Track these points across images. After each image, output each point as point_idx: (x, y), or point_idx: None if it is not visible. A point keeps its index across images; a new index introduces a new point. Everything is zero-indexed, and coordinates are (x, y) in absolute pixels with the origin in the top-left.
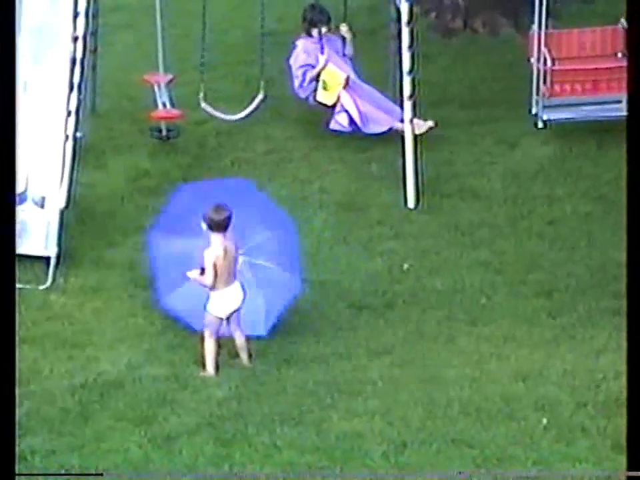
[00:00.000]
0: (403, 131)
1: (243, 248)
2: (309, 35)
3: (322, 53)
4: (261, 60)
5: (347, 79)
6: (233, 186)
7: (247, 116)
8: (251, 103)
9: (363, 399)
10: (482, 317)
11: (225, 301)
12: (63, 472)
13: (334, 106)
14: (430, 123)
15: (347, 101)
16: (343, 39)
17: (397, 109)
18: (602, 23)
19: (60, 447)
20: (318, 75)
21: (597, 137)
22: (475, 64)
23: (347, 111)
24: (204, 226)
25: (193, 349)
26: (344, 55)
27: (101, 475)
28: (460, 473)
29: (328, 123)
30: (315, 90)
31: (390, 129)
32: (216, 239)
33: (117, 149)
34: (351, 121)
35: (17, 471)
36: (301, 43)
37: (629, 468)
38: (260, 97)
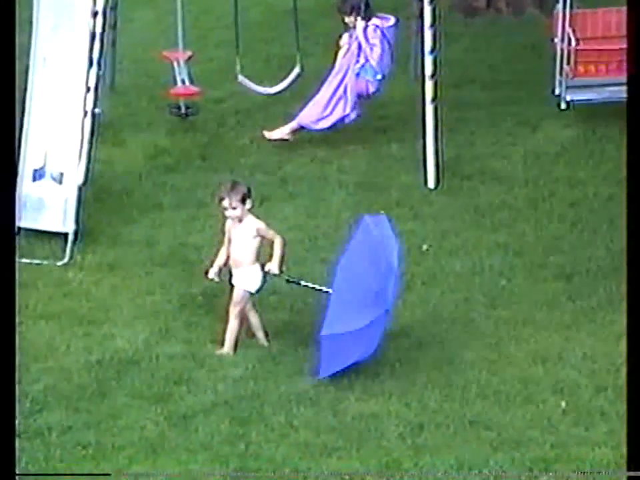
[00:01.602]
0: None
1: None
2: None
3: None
4: (297, 34)
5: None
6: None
7: (283, 90)
8: (286, 77)
9: (380, 380)
10: (501, 300)
11: (255, 277)
12: (66, 472)
13: None
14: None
15: None
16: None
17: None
18: (625, 3)
19: (76, 424)
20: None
21: (620, 119)
22: (498, 44)
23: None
24: (242, 203)
25: (210, 328)
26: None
27: (109, 474)
28: None
29: None
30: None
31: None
32: (249, 213)
33: (136, 125)
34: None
35: (17, 471)
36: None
37: (629, 468)
38: (297, 70)
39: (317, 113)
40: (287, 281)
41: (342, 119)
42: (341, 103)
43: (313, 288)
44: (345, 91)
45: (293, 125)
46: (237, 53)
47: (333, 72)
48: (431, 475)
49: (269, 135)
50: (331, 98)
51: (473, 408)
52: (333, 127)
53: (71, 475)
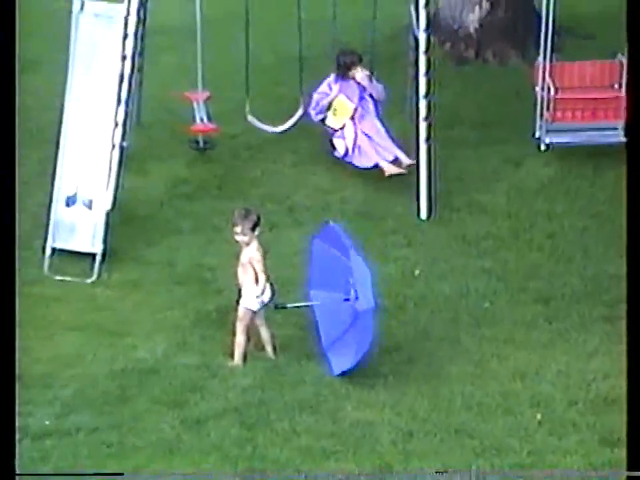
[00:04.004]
0: (385, 170)
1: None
2: (340, 76)
3: (335, 83)
4: (300, 79)
5: (355, 110)
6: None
7: (287, 129)
8: (291, 117)
9: (375, 391)
10: (484, 320)
11: (257, 297)
12: (92, 469)
13: (337, 130)
14: (406, 164)
15: (349, 129)
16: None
17: (392, 148)
18: (601, 56)
19: (101, 425)
20: (330, 104)
21: (594, 160)
22: (485, 90)
23: (344, 138)
24: (252, 230)
25: (222, 341)
26: (370, 95)
27: (122, 474)
28: None
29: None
30: (326, 116)
31: (375, 166)
32: (255, 240)
33: (158, 157)
34: (346, 150)
35: (17, 471)
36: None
37: (629, 468)
38: (300, 112)
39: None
40: (275, 307)
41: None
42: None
43: (299, 307)
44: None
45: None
46: (247, 95)
47: (370, 115)
48: (419, 477)
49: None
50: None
51: (457, 418)
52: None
53: (81, 475)
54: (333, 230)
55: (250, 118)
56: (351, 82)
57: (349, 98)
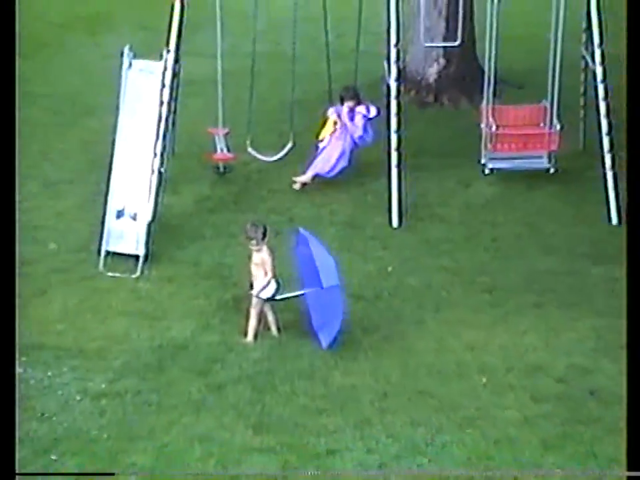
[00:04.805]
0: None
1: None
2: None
3: (330, 106)
4: (291, 119)
5: (335, 125)
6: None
7: (280, 158)
8: (282, 149)
9: (357, 362)
10: (443, 306)
11: (267, 289)
12: (71, 471)
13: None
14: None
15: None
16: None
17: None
18: (529, 101)
19: (144, 389)
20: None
21: (526, 181)
22: (443, 127)
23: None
24: (259, 236)
25: (238, 323)
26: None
27: (112, 474)
28: None
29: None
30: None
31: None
32: (265, 245)
33: (188, 180)
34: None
35: (17, 470)
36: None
37: (629, 468)
38: (290, 145)
39: (328, 166)
40: (267, 300)
41: (342, 170)
42: (342, 160)
43: (296, 295)
44: (344, 152)
45: (311, 173)
46: (248, 131)
47: (335, 137)
48: (391, 429)
49: (297, 179)
50: (339, 158)
51: (422, 383)
52: (335, 175)
53: (75, 475)
54: (303, 235)
55: (250, 150)
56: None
57: (338, 116)
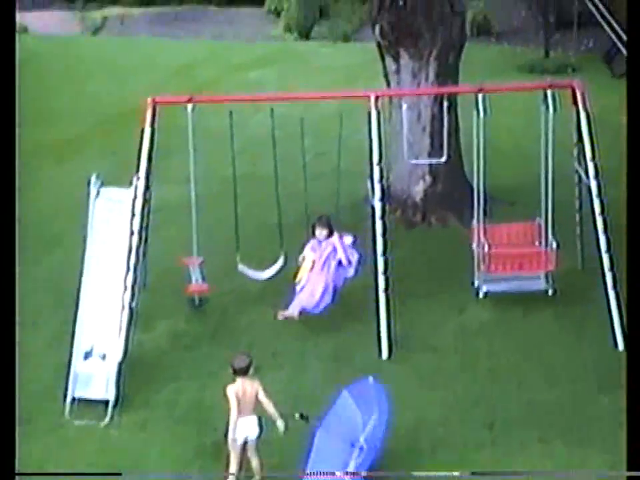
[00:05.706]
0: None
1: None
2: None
3: (308, 242)
4: (281, 239)
5: (313, 263)
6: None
7: (270, 277)
8: (273, 265)
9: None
10: (440, 445)
11: (241, 428)
12: (68, 471)
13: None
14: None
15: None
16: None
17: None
18: (522, 218)
19: None
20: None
21: (523, 304)
22: (431, 248)
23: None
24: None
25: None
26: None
27: (119, 474)
28: None
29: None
30: None
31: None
32: (238, 379)
33: (161, 315)
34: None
35: (16, 470)
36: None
37: (629, 468)
38: (281, 263)
39: (313, 301)
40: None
41: (327, 306)
42: (326, 295)
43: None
44: (327, 286)
45: (297, 308)
46: (237, 249)
47: (315, 273)
48: None
49: (282, 313)
50: (323, 292)
51: None
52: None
53: (80, 475)
54: (368, 385)
55: (240, 267)
56: (323, 242)
57: (313, 251)
